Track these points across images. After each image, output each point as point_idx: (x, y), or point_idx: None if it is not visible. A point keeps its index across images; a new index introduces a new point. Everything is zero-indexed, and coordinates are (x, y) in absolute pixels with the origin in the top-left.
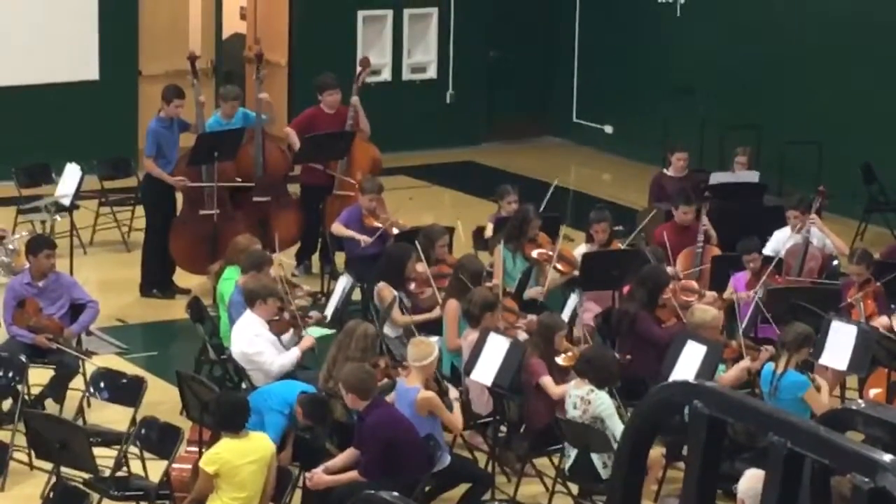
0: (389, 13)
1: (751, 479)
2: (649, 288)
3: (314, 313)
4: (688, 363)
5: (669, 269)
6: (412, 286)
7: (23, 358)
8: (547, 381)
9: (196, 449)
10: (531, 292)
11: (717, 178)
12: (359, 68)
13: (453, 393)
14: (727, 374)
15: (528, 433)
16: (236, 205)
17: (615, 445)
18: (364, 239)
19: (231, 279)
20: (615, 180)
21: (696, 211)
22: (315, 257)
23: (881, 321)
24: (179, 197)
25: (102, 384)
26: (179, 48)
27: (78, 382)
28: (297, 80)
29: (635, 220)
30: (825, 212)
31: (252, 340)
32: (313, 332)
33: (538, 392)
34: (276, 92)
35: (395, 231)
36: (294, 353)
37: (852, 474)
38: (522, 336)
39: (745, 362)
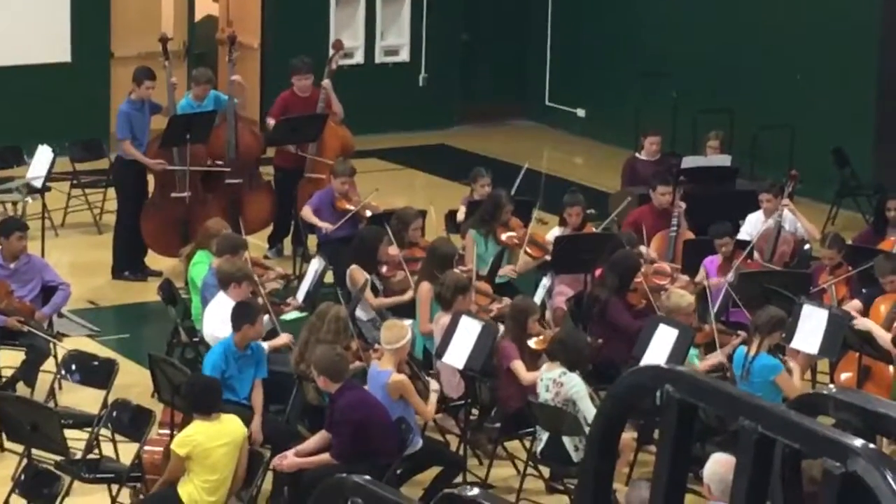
0: None
1: (716, 464)
2: (620, 273)
3: (292, 300)
4: (659, 347)
5: (643, 249)
6: (384, 269)
7: None
8: (518, 365)
9: (168, 431)
10: (503, 270)
11: (689, 161)
12: (332, 51)
13: (433, 385)
14: (701, 366)
15: (500, 416)
16: (208, 187)
17: (587, 428)
18: (326, 226)
19: (201, 263)
20: (588, 164)
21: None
22: (287, 240)
23: (853, 305)
24: (151, 179)
25: (74, 366)
26: (152, 30)
27: (49, 365)
28: (270, 63)
29: (608, 203)
30: (797, 196)
31: (221, 326)
32: (287, 317)
33: (510, 375)
34: (248, 74)
35: (368, 214)
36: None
37: (823, 459)
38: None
39: (718, 357)
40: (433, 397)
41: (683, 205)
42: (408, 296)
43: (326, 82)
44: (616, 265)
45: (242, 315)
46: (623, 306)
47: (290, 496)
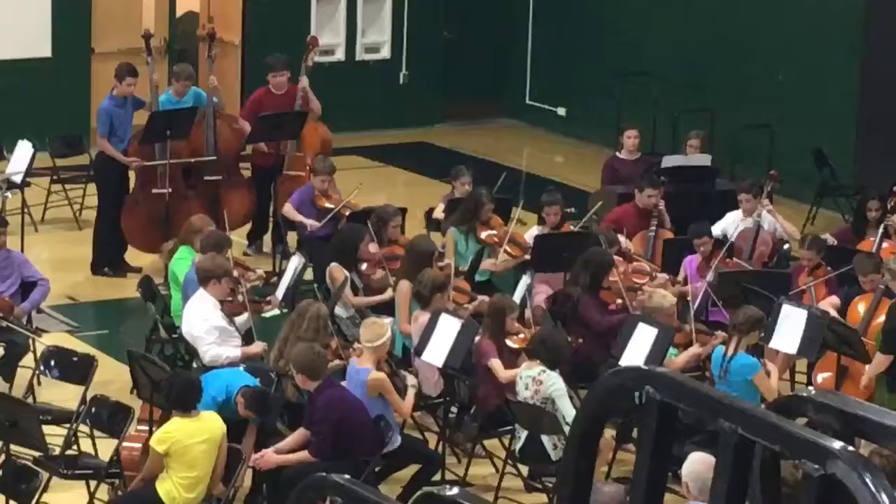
0: None
1: (694, 463)
2: (592, 271)
3: (272, 297)
4: (638, 346)
5: (622, 239)
6: (364, 267)
7: None
8: (495, 363)
9: (146, 428)
10: (484, 264)
11: (669, 161)
12: (309, 47)
13: (411, 380)
14: (677, 360)
15: (479, 414)
16: (189, 184)
17: (565, 427)
18: (311, 223)
19: (184, 259)
20: (568, 162)
21: None
22: (267, 237)
23: (830, 301)
24: (132, 175)
25: (53, 362)
26: (133, 26)
27: (28, 360)
28: (250, 59)
29: (587, 202)
30: (777, 196)
31: (198, 324)
32: (266, 315)
33: (489, 373)
34: (228, 71)
35: (348, 212)
36: (234, 353)
37: (802, 461)
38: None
39: (695, 349)
40: (411, 393)
41: (662, 203)
42: (387, 295)
43: (303, 79)
44: (588, 263)
45: (255, 407)
46: (594, 304)
47: (268, 494)
